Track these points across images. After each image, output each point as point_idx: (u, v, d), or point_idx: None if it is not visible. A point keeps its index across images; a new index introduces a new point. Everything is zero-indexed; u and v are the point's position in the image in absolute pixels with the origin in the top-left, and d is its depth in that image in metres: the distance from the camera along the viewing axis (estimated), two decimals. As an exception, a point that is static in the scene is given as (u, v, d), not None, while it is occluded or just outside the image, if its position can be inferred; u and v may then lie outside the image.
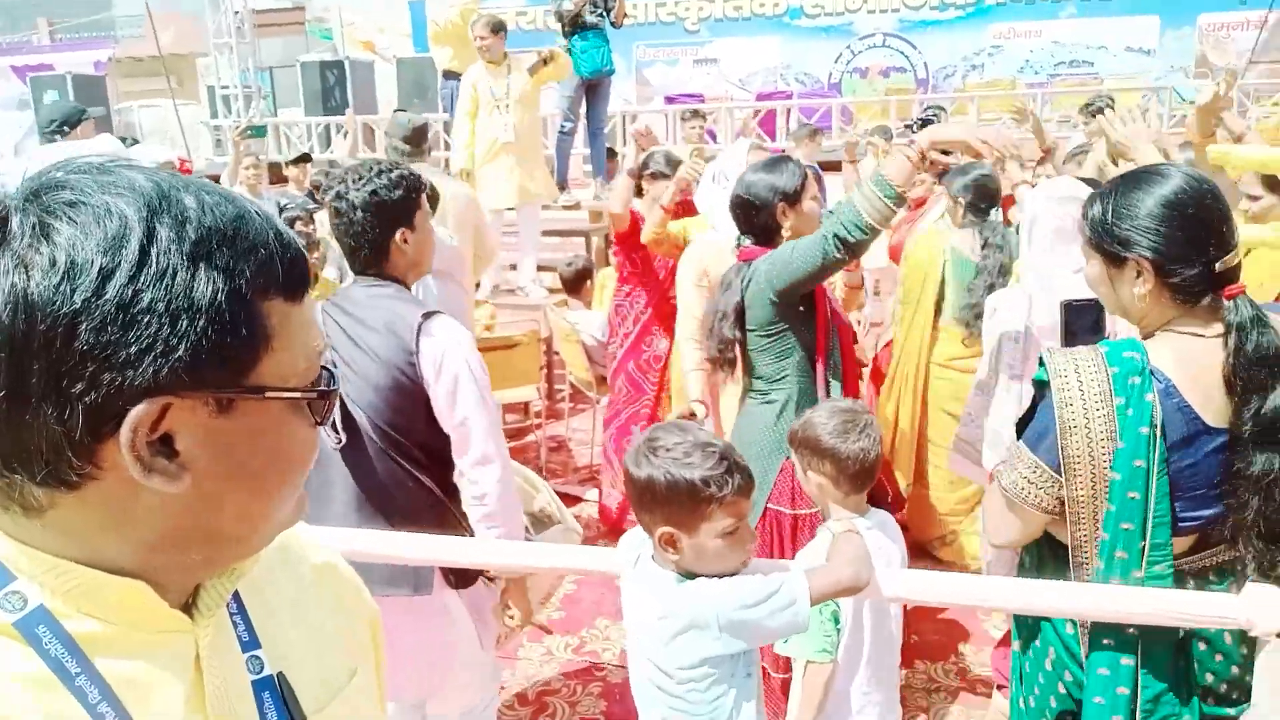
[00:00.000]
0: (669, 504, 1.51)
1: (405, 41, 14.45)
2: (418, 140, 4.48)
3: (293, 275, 0.65)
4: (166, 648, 0.66)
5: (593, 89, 7.06)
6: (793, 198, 2.55)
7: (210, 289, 0.59)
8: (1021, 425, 1.74)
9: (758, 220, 2.59)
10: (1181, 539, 1.60)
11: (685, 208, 4.19)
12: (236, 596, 0.74)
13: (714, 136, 8.91)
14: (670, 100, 12.83)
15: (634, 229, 3.96)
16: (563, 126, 7.12)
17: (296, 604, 0.80)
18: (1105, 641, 1.63)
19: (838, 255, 2.26)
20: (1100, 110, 6.48)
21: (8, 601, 0.60)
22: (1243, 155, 2.37)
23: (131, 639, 0.64)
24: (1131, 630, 1.60)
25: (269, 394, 0.63)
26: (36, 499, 0.60)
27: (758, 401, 2.56)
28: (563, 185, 7.21)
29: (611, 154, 7.91)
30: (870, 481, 2.11)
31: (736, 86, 14.92)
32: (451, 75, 7.84)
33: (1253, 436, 1.52)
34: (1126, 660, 1.61)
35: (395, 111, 7.96)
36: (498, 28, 6.32)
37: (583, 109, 7.15)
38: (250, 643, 0.73)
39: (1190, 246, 1.56)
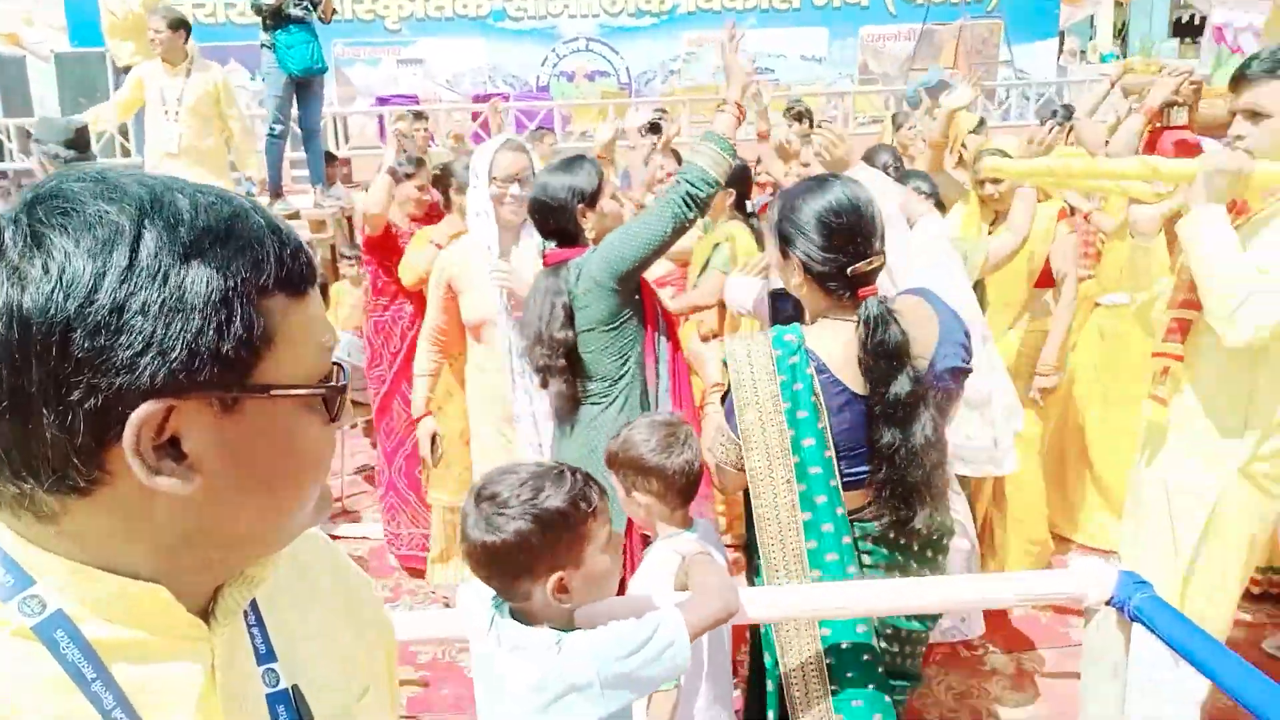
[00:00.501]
0: (552, 547, 1.37)
1: (60, 35, 12.63)
2: (82, 144, 3.98)
3: (294, 271, 0.64)
4: (183, 655, 0.65)
5: (303, 88, 6.49)
6: (591, 198, 2.44)
7: (205, 289, 0.59)
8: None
9: (557, 223, 2.45)
10: (852, 494, 1.81)
11: (429, 216, 3.95)
12: (255, 607, 0.73)
13: (433, 139, 8.58)
14: (384, 101, 12.29)
15: (388, 234, 3.66)
16: (272, 129, 6.48)
17: (314, 617, 0.79)
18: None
19: (689, 214, 2.30)
20: (800, 115, 6.96)
21: (26, 605, 0.61)
22: (1015, 168, 2.58)
23: (149, 645, 0.64)
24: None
25: (274, 392, 0.63)
26: (49, 506, 0.60)
27: (601, 406, 2.40)
28: (277, 193, 6.59)
29: (330, 158, 7.36)
30: (694, 493, 2.05)
31: (445, 88, 14.62)
32: (135, 73, 6.91)
33: (881, 414, 1.75)
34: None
35: (42, 118, 6.95)
36: (176, 23, 5.67)
37: (293, 110, 6.56)
38: (267, 655, 0.72)
39: (832, 252, 1.81)
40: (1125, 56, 17.61)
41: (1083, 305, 3.76)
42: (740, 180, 3.72)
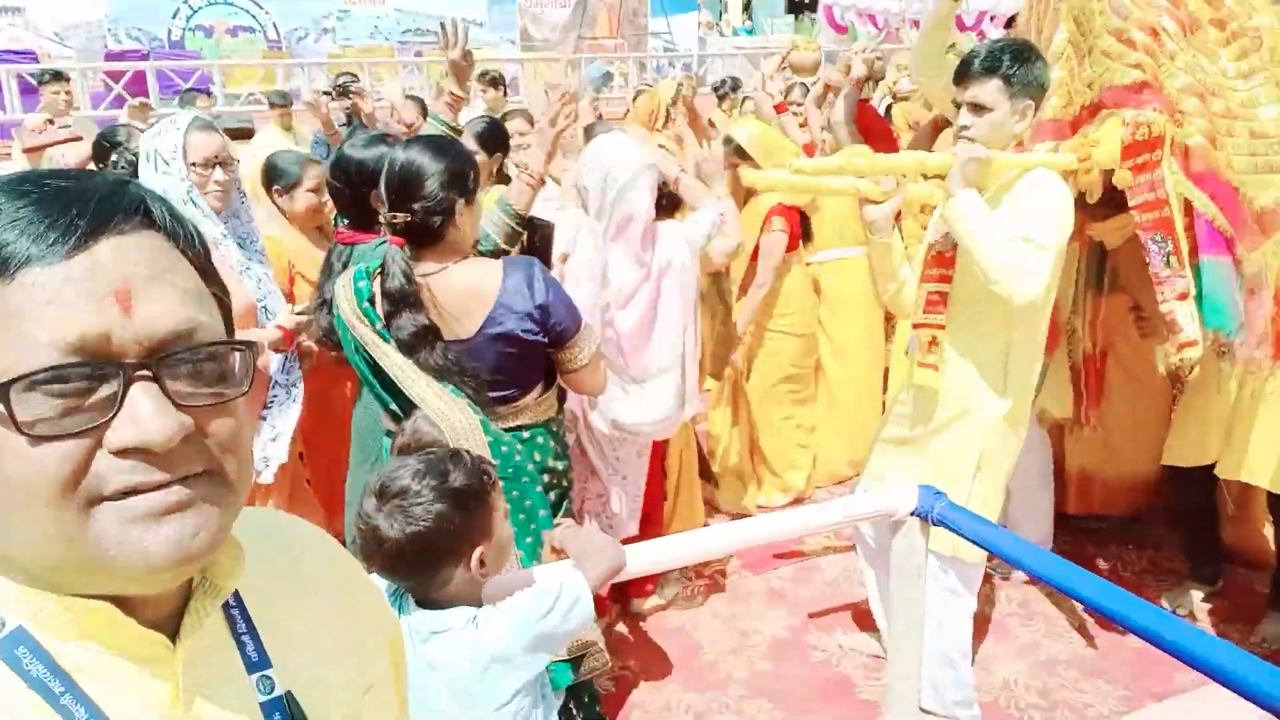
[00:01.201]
0: (470, 524, 1.41)
1: None
2: None
3: None
4: (146, 672, 0.63)
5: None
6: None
7: None
8: None
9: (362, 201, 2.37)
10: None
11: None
12: (245, 614, 0.71)
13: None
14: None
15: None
16: None
17: (314, 618, 0.76)
18: None
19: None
20: (494, 81, 6.95)
21: None
22: (767, 179, 2.78)
23: (109, 662, 0.62)
24: None
25: None
26: None
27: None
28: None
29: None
30: None
31: (54, 41, 12.67)
32: None
33: (400, 348, 1.99)
34: None
35: None
36: None
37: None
38: (260, 662, 0.70)
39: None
40: (755, 31, 19.42)
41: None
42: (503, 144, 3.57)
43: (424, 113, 4.07)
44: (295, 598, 0.76)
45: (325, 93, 5.65)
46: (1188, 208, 2.30)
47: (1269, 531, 3.33)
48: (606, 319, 2.57)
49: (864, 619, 3.21)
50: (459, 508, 1.39)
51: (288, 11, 14.66)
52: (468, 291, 2.02)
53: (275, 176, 3.20)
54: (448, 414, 1.92)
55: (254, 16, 14.44)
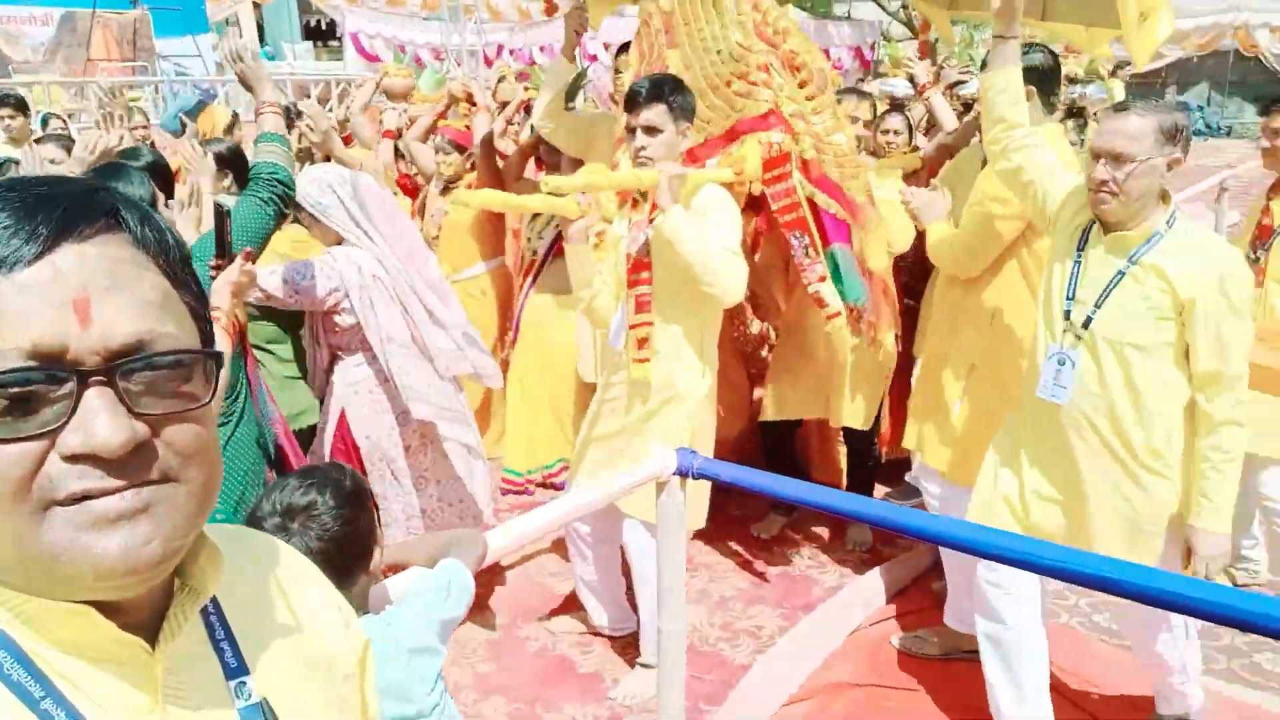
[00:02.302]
0: (371, 525, 1.49)
1: None
2: None
3: None
4: (125, 675, 0.64)
5: None
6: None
7: None
8: None
9: None
10: None
11: None
12: (223, 621, 0.72)
13: None
14: None
15: None
16: None
17: (283, 630, 0.76)
18: None
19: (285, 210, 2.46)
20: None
21: None
22: (478, 197, 2.88)
23: (89, 666, 0.62)
24: None
25: None
26: None
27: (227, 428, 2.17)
28: None
29: None
30: None
31: None
32: None
33: None
34: None
35: None
36: None
37: None
38: (238, 669, 0.71)
39: None
40: (275, 57, 18.56)
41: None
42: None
43: None
44: (268, 608, 0.76)
45: None
46: (813, 206, 2.90)
47: (842, 463, 4.18)
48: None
49: (568, 604, 3.45)
50: (361, 507, 1.46)
51: None
52: None
53: None
54: None
55: None
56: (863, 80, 11.62)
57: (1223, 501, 2.18)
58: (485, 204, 2.52)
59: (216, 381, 0.65)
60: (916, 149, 4.23)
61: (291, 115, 7.38)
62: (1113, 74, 6.53)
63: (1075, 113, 4.50)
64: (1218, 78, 17.33)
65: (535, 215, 4.24)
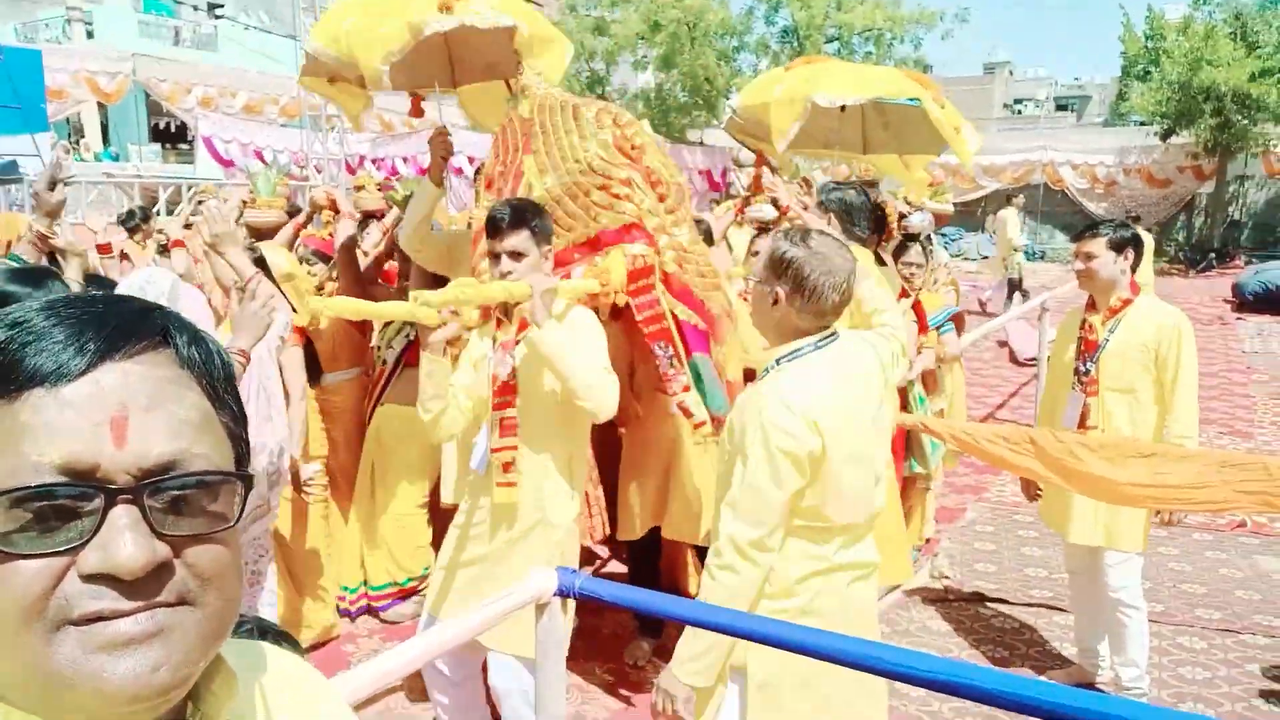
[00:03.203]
0: None
1: None
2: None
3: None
4: None
5: None
6: None
7: None
8: None
9: None
10: None
11: None
12: None
13: None
14: None
15: None
16: None
17: None
18: None
19: None
20: None
21: None
22: (333, 304, 2.73)
23: None
24: None
25: None
26: None
27: None
28: None
29: None
30: None
31: None
32: None
33: None
34: None
35: None
36: None
37: None
38: None
39: None
40: (121, 158, 17.91)
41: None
42: None
43: None
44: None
45: None
46: (674, 318, 2.97)
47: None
48: None
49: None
50: None
51: None
52: None
53: None
54: None
55: None
56: (715, 201, 12.25)
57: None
58: (341, 312, 2.44)
59: (243, 505, 0.65)
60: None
61: (137, 218, 7.14)
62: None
63: (911, 238, 4.99)
64: (1030, 208, 19.11)
65: (386, 324, 4.20)
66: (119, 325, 0.62)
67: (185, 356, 0.65)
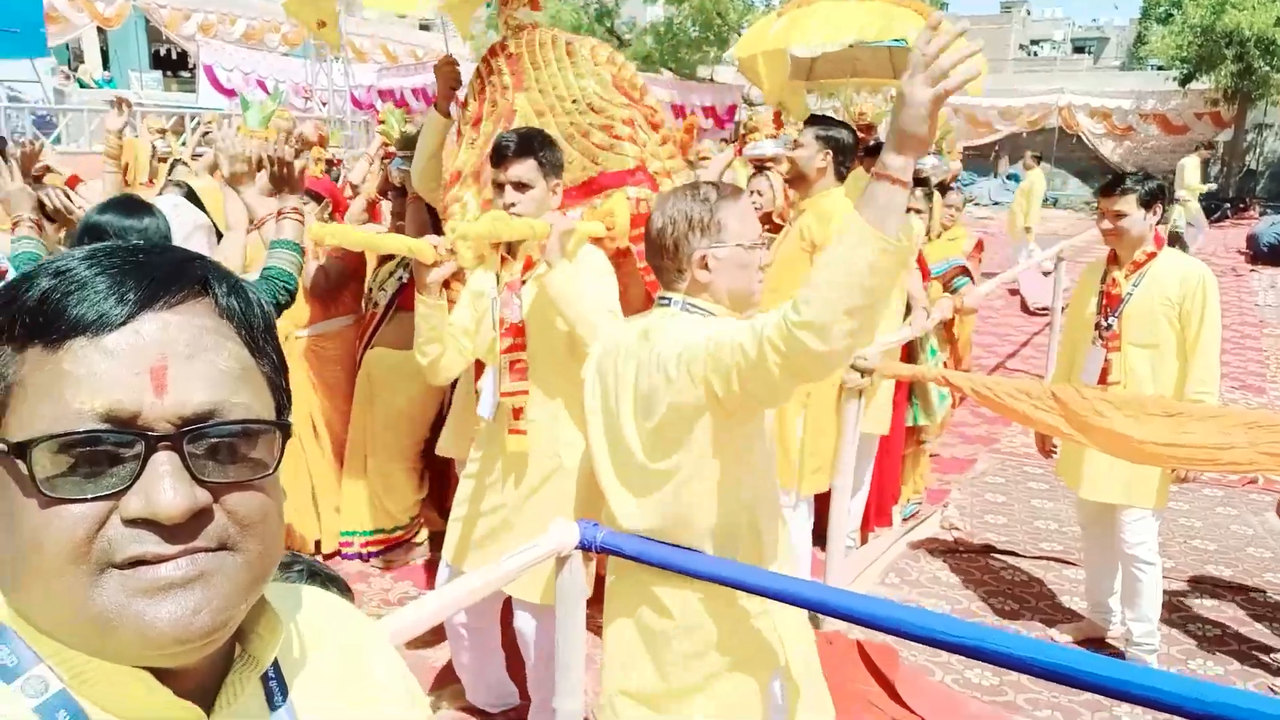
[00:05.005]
0: None
1: None
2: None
3: (39, 321, 0.60)
4: None
5: None
6: None
7: None
8: None
9: None
10: None
11: None
12: (283, 687, 0.71)
13: None
14: None
15: None
16: None
17: (343, 697, 0.76)
18: None
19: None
20: None
21: (30, 686, 0.60)
22: (333, 231, 2.59)
23: None
24: None
25: None
26: None
27: None
28: None
29: None
30: None
31: None
32: None
33: None
34: None
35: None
36: None
37: None
38: None
39: None
40: (115, 83, 17.59)
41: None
42: None
43: None
44: (331, 678, 0.76)
45: None
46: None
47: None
48: None
49: (444, 677, 3.28)
50: None
51: None
52: None
53: None
54: None
55: None
56: (725, 141, 12.01)
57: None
58: (342, 241, 2.36)
59: (281, 452, 0.66)
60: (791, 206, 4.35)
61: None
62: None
63: (920, 182, 4.82)
64: (1044, 152, 18.86)
65: (378, 265, 4.11)
66: (159, 275, 0.62)
67: (224, 306, 0.65)
